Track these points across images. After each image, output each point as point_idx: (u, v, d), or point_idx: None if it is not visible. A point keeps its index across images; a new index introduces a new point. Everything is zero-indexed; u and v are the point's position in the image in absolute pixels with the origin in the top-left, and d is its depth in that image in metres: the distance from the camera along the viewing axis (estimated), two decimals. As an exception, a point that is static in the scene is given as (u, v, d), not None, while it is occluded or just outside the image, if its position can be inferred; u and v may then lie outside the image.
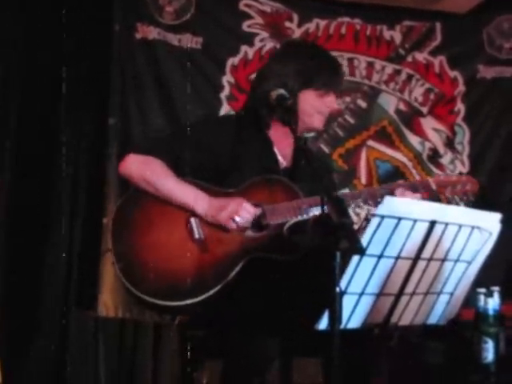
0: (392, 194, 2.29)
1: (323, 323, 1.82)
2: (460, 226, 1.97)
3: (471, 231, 2.00)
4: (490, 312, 2.43)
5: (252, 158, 2.34)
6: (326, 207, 1.79)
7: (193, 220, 2.22)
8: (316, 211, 2.24)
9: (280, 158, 2.43)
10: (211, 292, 2.13)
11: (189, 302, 2.13)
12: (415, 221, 1.87)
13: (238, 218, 2.19)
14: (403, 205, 1.86)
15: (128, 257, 2.19)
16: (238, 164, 2.32)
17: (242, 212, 2.20)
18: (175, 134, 2.55)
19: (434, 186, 2.37)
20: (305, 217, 2.25)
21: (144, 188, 2.26)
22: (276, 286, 2.22)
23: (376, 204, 2.27)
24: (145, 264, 2.18)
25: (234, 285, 2.16)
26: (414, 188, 2.35)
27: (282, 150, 2.44)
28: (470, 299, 2.32)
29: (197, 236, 2.21)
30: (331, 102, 2.40)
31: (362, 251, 1.74)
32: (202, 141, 2.31)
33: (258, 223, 2.25)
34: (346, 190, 4.14)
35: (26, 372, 3.73)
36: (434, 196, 2.39)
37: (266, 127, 2.39)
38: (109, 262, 3.70)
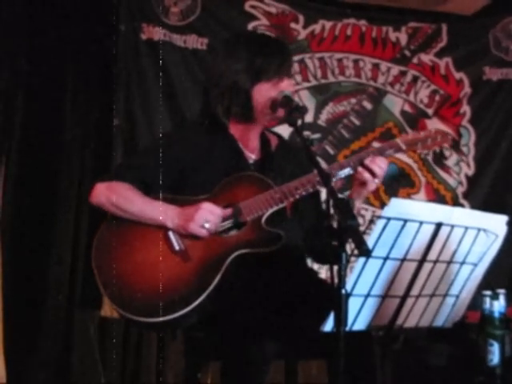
0: (362, 163, 2.26)
1: (329, 325, 1.82)
2: (466, 228, 1.96)
3: (477, 233, 2.00)
4: (496, 314, 2.43)
5: (220, 161, 2.35)
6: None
7: (171, 233, 2.24)
8: (291, 197, 2.24)
9: (247, 152, 2.43)
10: (201, 298, 2.13)
11: (182, 312, 2.13)
12: (421, 223, 1.87)
13: (207, 225, 2.20)
14: (409, 206, 1.85)
15: (114, 283, 2.20)
16: (206, 170, 2.33)
17: (209, 216, 2.20)
18: (138, 154, 2.60)
19: (403, 146, 2.32)
20: (280, 205, 2.25)
21: (116, 213, 2.29)
22: (263, 281, 2.23)
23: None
24: (131, 286, 2.19)
25: (224, 286, 2.16)
26: (383, 151, 2.31)
27: (247, 144, 2.43)
28: (476, 302, 2.31)
29: (177, 248, 2.22)
30: (287, 86, 2.37)
31: (368, 253, 1.73)
32: (166, 155, 2.31)
33: (236, 222, 2.25)
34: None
35: (31, 372, 3.73)
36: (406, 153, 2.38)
37: (225, 126, 2.39)
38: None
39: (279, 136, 2.56)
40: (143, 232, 2.26)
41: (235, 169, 2.34)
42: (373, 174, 2.25)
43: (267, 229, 2.23)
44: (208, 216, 2.20)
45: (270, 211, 2.25)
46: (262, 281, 2.23)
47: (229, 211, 2.25)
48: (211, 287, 2.15)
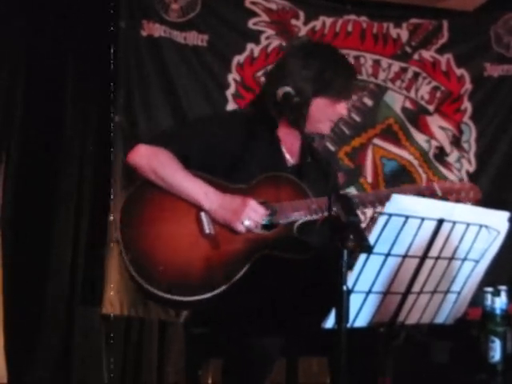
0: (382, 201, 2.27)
1: (330, 322, 1.81)
2: (468, 225, 1.95)
3: (479, 230, 1.99)
4: (497, 311, 2.42)
5: (260, 155, 2.32)
6: (333, 207, 1.78)
7: (203, 215, 2.19)
8: (326, 212, 2.22)
9: (287, 155, 2.41)
10: (220, 289, 2.11)
11: (197, 298, 2.10)
12: (423, 219, 1.86)
13: (247, 222, 2.18)
14: (411, 203, 1.85)
15: (137, 248, 2.15)
16: (245, 160, 2.30)
17: (253, 215, 2.18)
18: (185, 127, 2.51)
19: (439, 192, 2.38)
20: (314, 217, 2.24)
21: (153, 180, 2.22)
22: (283, 285, 2.21)
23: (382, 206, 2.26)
24: (154, 256, 2.14)
25: (242, 283, 2.14)
26: (420, 193, 2.35)
27: (289, 147, 2.42)
28: (477, 298, 2.30)
29: (207, 231, 2.18)
30: (342, 109, 2.38)
31: (369, 249, 1.73)
32: (211, 135, 2.28)
33: (269, 223, 2.24)
34: (352, 189, 4.14)
35: (32, 369, 3.73)
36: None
37: (274, 126, 2.38)
38: (114, 260, 3.71)
39: (317, 149, 2.56)
40: (174, 205, 2.20)
41: (273, 168, 2.32)
42: None
43: (299, 237, 2.22)
44: (252, 214, 2.18)
45: (304, 220, 2.24)
46: (275, 283, 2.21)
47: (267, 211, 2.23)
48: (236, 278, 2.12)
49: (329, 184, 1.90)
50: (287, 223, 2.23)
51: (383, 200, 2.29)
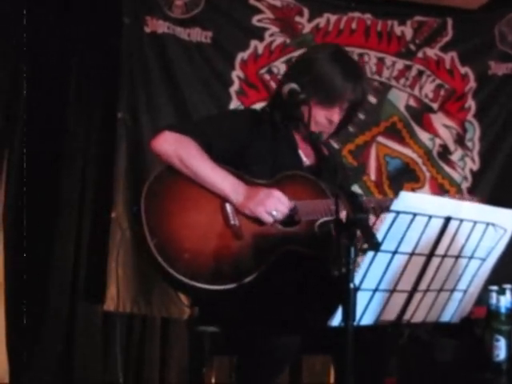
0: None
1: (336, 319, 1.81)
2: (475, 223, 1.95)
3: (486, 228, 1.98)
4: (503, 310, 2.41)
5: (279, 153, 2.33)
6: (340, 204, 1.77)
7: (228, 205, 2.19)
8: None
9: (303, 156, 2.42)
10: (245, 281, 2.10)
11: (223, 287, 2.09)
12: (430, 217, 1.85)
13: (275, 213, 2.17)
14: (418, 200, 1.84)
15: (163, 233, 2.13)
16: (261, 157, 2.30)
17: (280, 206, 2.18)
18: (209, 119, 2.49)
19: None
20: (333, 217, 2.22)
21: (178, 167, 2.21)
22: (302, 282, 2.21)
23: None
24: (180, 243, 2.12)
25: (264, 277, 2.13)
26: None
27: (305, 148, 2.42)
28: (482, 297, 2.30)
29: (232, 222, 2.18)
30: (332, 115, 2.37)
31: (377, 246, 1.72)
32: (234, 130, 2.29)
33: (289, 218, 2.24)
34: (356, 187, 4.13)
35: (33, 365, 3.73)
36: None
37: (290, 125, 2.38)
38: (117, 257, 3.70)
39: (329, 147, 2.57)
40: (199, 194, 2.20)
41: (290, 168, 2.32)
42: None
43: (321, 234, 2.22)
44: (278, 205, 2.18)
45: (324, 219, 2.24)
46: (295, 277, 2.21)
47: (293, 205, 2.23)
48: (261, 271, 2.12)
49: (336, 181, 1.89)
50: (309, 221, 2.23)
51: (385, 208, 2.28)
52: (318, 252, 2.20)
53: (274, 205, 2.17)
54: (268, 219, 2.17)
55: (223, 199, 2.20)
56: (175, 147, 2.21)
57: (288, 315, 2.10)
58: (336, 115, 2.38)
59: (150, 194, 2.19)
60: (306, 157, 2.43)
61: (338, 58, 2.40)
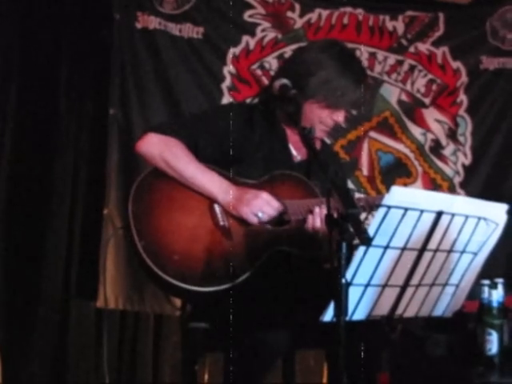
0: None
1: (328, 315, 1.81)
2: (466, 217, 1.95)
3: (478, 222, 1.99)
4: (494, 304, 2.41)
5: (266, 150, 2.32)
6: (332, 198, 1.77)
7: (217, 206, 2.19)
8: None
9: (294, 151, 2.41)
10: (235, 282, 2.10)
11: (214, 289, 2.09)
12: (422, 211, 1.85)
13: (260, 214, 2.17)
14: (410, 195, 1.84)
15: (150, 235, 2.13)
16: (254, 155, 2.29)
17: (266, 208, 2.17)
18: (193, 118, 2.46)
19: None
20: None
21: (163, 169, 2.20)
22: (292, 281, 2.20)
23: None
24: (168, 245, 2.12)
25: (254, 277, 2.13)
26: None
27: (296, 143, 2.41)
28: (474, 291, 2.30)
29: (221, 223, 2.17)
30: (338, 117, 2.37)
31: (369, 241, 1.72)
32: (218, 128, 2.27)
33: (279, 218, 2.23)
34: (348, 182, 4.13)
35: (26, 363, 3.71)
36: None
37: (281, 120, 2.37)
38: (109, 254, 3.69)
39: (322, 140, 2.54)
40: (187, 195, 2.19)
41: (280, 164, 2.31)
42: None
43: (310, 233, 2.20)
44: (265, 207, 2.17)
45: None
46: (282, 279, 2.20)
47: (281, 206, 2.22)
48: (251, 271, 2.12)
49: (328, 176, 1.88)
50: (298, 221, 2.22)
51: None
52: (308, 252, 2.19)
53: (260, 206, 2.17)
54: (253, 220, 2.17)
55: (211, 200, 2.19)
56: (160, 149, 2.19)
57: (279, 314, 2.10)
58: (341, 117, 2.37)
59: (136, 197, 2.18)
60: (297, 151, 2.42)
61: (343, 60, 2.36)
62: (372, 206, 2.24)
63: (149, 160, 2.23)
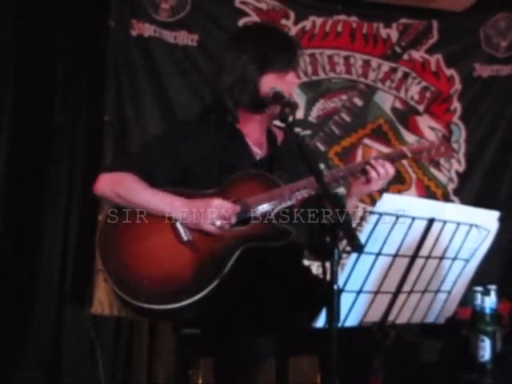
0: (366, 169, 2.33)
1: (321, 321, 1.81)
2: (458, 224, 1.96)
3: (469, 229, 1.99)
4: (487, 311, 2.42)
5: (227, 156, 2.35)
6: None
7: (178, 224, 2.23)
8: (299, 196, 2.27)
9: (254, 148, 2.43)
10: (208, 289, 2.12)
11: (186, 302, 2.11)
12: (413, 218, 1.86)
13: (218, 222, 2.19)
14: (402, 202, 1.85)
15: (119, 269, 2.19)
16: (214, 164, 2.33)
17: (219, 212, 2.20)
18: (145, 147, 2.53)
19: (409, 154, 2.44)
20: (288, 203, 2.28)
21: (121, 204, 2.28)
22: (270, 277, 2.22)
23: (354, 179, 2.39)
24: (137, 272, 2.17)
25: (230, 280, 2.15)
26: (391, 158, 2.40)
27: (255, 140, 2.44)
28: (467, 298, 2.31)
29: (185, 238, 2.22)
30: (292, 79, 2.41)
31: (360, 248, 1.73)
32: (172, 148, 2.33)
33: (245, 217, 2.25)
34: (342, 188, 4.13)
35: (21, 370, 3.71)
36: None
37: (234, 120, 2.39)
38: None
39: (285, 130, 2.55)
40: (150, 220, 2.25)
41: (242, 165, 2.35)
42: (379, 175, 2.32)
43: (276, 224, 2.25)
44: (220, 213, 2.20)
45: (279, 208, 2.27)
46: (260, 277, 2.22)
47: (237, 207, 2.25)
48: (220, 277, 2.14)
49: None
50: (264, 214, 2.25)
51: (355, 173, 2.36)
52: (277, 242, 2.22)
53: (213, 214, 2.19)
54: (211, 229, 2.20)
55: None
56: (112, 187, 2.28)
57: (256, 318, 2.12)
58: (295, 78, 2.43)
59: (102, 239, 2.26)
60: (258, 148, 2.44)
61: (270, 31, 2.49)
62: (354, 173, 2.35)
63: (107, 199, 2.33)
